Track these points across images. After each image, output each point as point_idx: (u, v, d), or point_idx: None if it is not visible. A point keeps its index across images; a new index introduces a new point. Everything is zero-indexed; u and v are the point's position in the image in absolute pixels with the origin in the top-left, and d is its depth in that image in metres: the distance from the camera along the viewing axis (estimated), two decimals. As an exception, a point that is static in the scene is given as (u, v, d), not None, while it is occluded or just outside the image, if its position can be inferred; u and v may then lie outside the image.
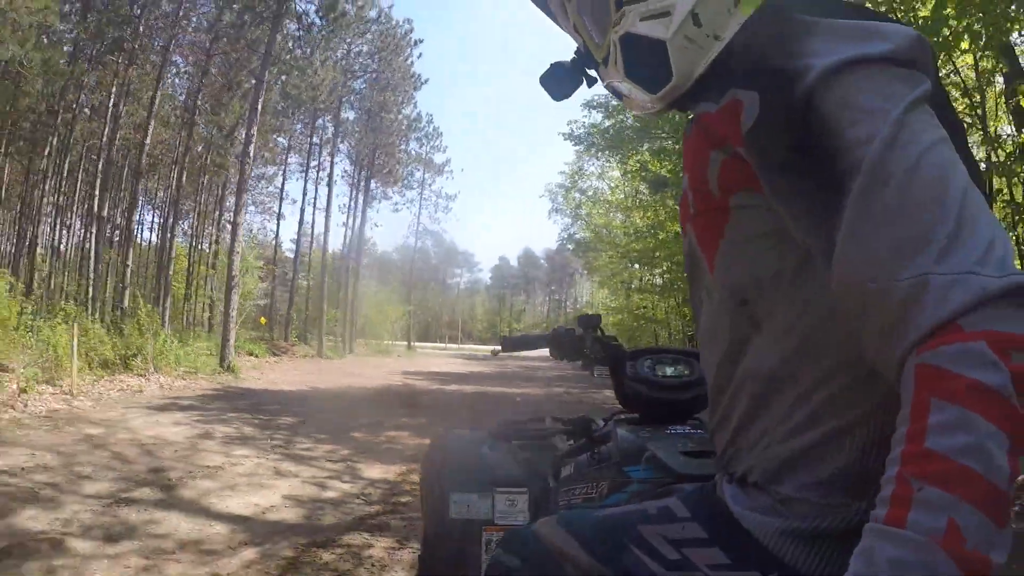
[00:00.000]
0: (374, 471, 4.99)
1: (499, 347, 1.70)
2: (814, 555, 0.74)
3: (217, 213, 21.64)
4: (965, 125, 1.17)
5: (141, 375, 10.53)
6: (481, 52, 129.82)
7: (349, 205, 28.08)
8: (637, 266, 24.57)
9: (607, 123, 21.64)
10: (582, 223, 33.58)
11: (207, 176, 20.40)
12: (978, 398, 0.55)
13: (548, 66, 0.99)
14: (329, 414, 8.13)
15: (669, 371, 1.46)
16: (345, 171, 27.11)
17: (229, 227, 16.52)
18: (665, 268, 20.28)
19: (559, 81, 0.98)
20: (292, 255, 27.32)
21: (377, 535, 3.45)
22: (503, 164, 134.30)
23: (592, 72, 0.96)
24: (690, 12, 0.80)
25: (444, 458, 1.62)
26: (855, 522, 0.64)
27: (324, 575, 2.90)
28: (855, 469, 0.71)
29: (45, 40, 13.13)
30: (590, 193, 32.69)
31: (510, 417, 1.80)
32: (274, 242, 27.51)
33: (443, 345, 51.48)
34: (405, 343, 37.20)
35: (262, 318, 22.28)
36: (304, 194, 29.31)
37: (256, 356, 18.32)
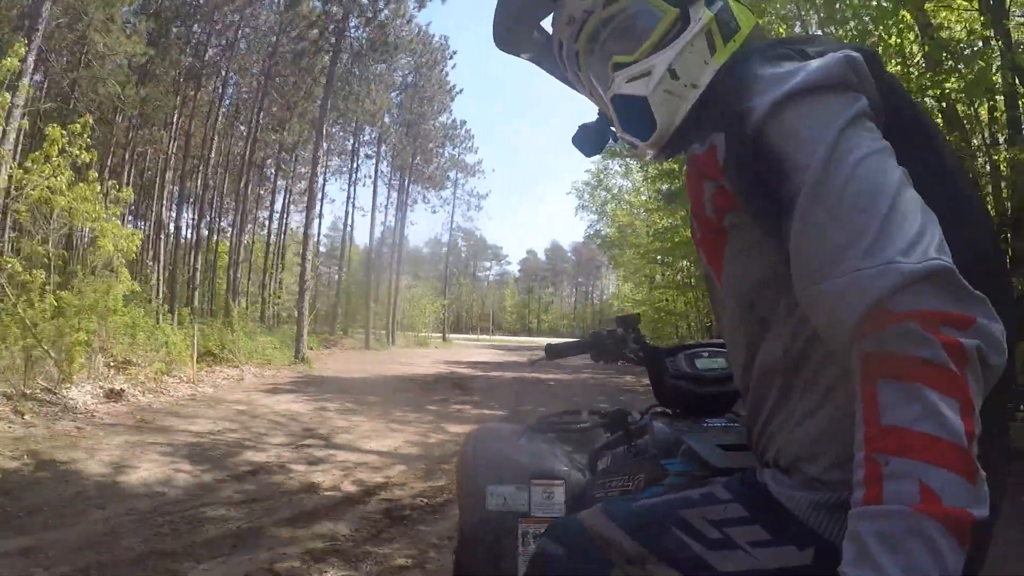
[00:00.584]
0: (455, 428, 6.92)
1: (542, 354, 1.69)
2: (840, 523, 0.74)
3: (258, 211, 23.65)
4: (932, 119, 1.48)
5: (235, 366, 12.57)
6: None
7: (385, 205, 30.19)
8: (659, 262, 26.12)
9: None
10: (607, 220, 35.17)
11: (250, 181, 22.55)
12: (919, 371, 0.61)
13: (577, 128, 1.12)
14: (403, 394, 10.09)
15: (707, 365, 1.44)
16: (382, 172, 29.22)
17: (268, 224, 18.54)
18: (682, 267, 21.87)
19: (587, 139, 1.12)
20: (330, 252, 29.19)
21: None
22: (531, 159, 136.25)
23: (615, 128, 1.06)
24: (667, 69, 0.92)
25: (480, 451, 1.63)
26: None
27: (448, 475, 4.84)
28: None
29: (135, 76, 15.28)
30: (615, 191, 34.16)
31: (547, 411, 1.82)
32: (316, 240, 29.64)
33: (475, 337, 53.35)
34: (440, 335, 39.24)
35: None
36: (348, 197, 31.50)
37: (312, 348, 20.32)
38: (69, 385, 7.05)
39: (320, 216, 28.20)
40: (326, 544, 3.26)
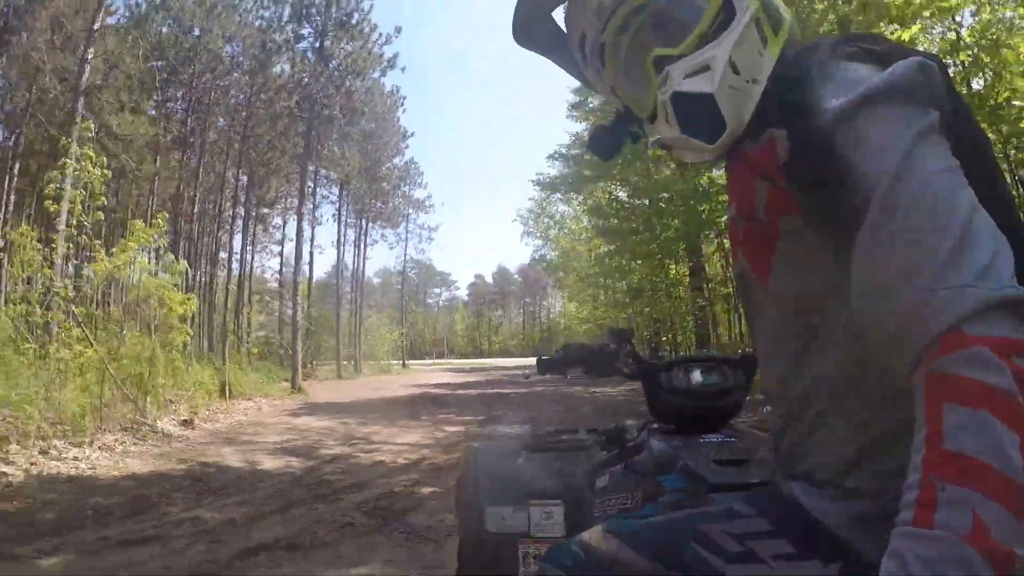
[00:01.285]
0: (450, 428, 9.46)
1: (533, 370, 1.65)
2: (881, 540, 0.70)
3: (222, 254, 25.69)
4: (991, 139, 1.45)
5: (248, 398, 14.75)
6: (453, 70, 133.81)
7: (343, 243, 32.43)
8: (602, 283, 29.15)
9: (566, 171, 26.45)
10: (551, 244, 38.19)
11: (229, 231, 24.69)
12: (988, 399, 0.59)
13: (593, 129, 1.06)
14: (396, 410, 12.54)
15: (702, 379, 1.42)
16: (341, 213, 31.55)
17: (229, 265, 20.74)
18: (621, 287, 24.86)
19: (604, 142, 1.05)
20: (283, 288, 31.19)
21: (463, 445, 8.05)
22: (475, 185, 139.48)
23: (634, 129, 1.01)
24: (728, 62, 0.85)
25: (478, 471, 1.62)
26: None
27: (457, 455, 7.40)
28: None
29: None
30: (557, 217, 37.14)
31: (545, 429, 1.83)
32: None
33: (431, 361, 55.51)
34: (400, 362, 41.43)
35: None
36: (311, 237, 33.71)
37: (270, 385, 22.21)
38: (156, 418, 9.38)
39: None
40: (410, 482, 5.85)
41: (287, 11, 19.62)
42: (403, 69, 30.16)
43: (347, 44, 19.14)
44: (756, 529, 0.88)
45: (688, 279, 18.11)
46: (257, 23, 19.66)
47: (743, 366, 1.48)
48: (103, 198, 9.70)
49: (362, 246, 32.25)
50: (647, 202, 15.99)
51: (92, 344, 8.68)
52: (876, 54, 0.81)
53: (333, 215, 30.00)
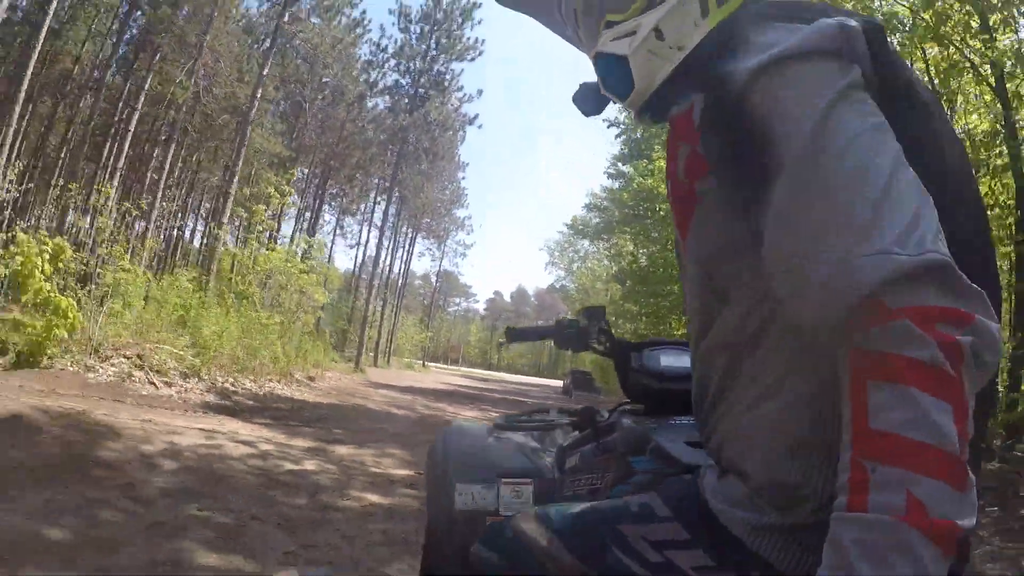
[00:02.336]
0: (494, 412, 13.50)
1: (504, 339, 1.66)
2: (791, 549, 0.74)
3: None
4: (932, 93, 0.90)
5: (327, 371, 18.82)
6: (502, 94, 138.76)
7: (392, 250, 36.78)
8: (615, 322, 33.15)
9: (596, 221, 30.76)
10: (572, 277, 42.43)
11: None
12: (912, 373, 0.57)
13: (578, 86, 1.06)
14: (445, 397, 16.56)
15: (674, 362, 1.40)
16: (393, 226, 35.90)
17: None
18: (634, 327, 28.73)
19: (587, 99, 1.05)
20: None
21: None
22: (506, 204, 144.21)
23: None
24: (653, 28, 0.85)
25: (449, 449, 1.62)
26: (825, 514, 0.61)
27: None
28: (816, 441, 0.71)
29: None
30: (582, 253, 41.35)
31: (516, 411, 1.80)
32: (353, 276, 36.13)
33: (444, 366, 59.54)
34: (420, 361, 45.57)
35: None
36: (381, 245, 38.12)
37: (335, 363, 26.30)
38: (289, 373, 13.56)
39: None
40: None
41: (390, 61, 24.15)
42: (480, 126, 34.65)
43: (438, 101, 23.48)
44: (673, 537, 0.85)
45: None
46: (361, 59, 24.11)
47: None
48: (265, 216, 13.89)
49: (408, 255, 36.46)
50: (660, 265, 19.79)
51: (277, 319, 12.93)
52: (802, 19, 0.78)
53: (389, 226, 34.35)
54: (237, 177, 16.74)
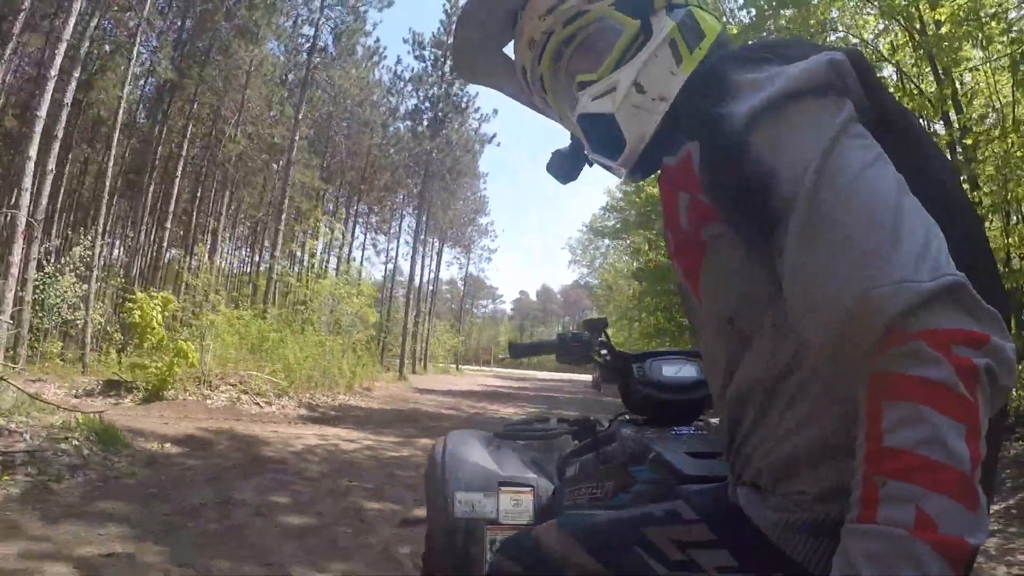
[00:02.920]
0: (531, 408, 15.24)
1: (508, 355, 1.67)
2: (818, 548, 0.74)
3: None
4: (917, 119, 1.22)
5: (377, 381, 20.65)
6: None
7: (422, 263, 38.69)
8: (637, 316, 34.75)
9: (613, 222, 32.36)
10: (595, 273, 43.93)
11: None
12: (926, 393, 0.58)
13: (550, 155, 1.07)
14: (484, 397, 18.25)
15: (675, 372, 1.41)
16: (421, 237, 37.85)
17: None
18: (654, 320, 30.25)
19: (562, 166, 1.08)
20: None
21: (549, 415, 13.81)
22: (527, 205, 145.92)
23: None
24: (633, 83, 0.88)
25: (449, 457, 1.62)
26: None
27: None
28: (851, 467, 0.68)
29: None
30: (603, 250, 42.85)
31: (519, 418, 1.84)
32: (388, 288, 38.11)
33: (478, 368, 61.35)
34: (454, 365, 47.42)
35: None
36: (413, 261, 40.12)
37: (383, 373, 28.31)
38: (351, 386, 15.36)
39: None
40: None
41: (408, 87, 26.01)
42: (498, 144, 36.72)
43: (458, 124, 25.31)
44: (699, 538, 0.87)
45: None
46: (382, 85, 25.94)
47: None
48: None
49: (436, 265, 38.31)
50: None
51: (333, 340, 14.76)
52: (786, 57, 0.79)
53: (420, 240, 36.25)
54: (284, 214, 18.62)
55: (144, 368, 9.05)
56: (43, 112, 10.15)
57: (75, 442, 4.94)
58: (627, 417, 1.48)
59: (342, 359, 13.62)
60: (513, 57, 1.10)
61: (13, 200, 10.17)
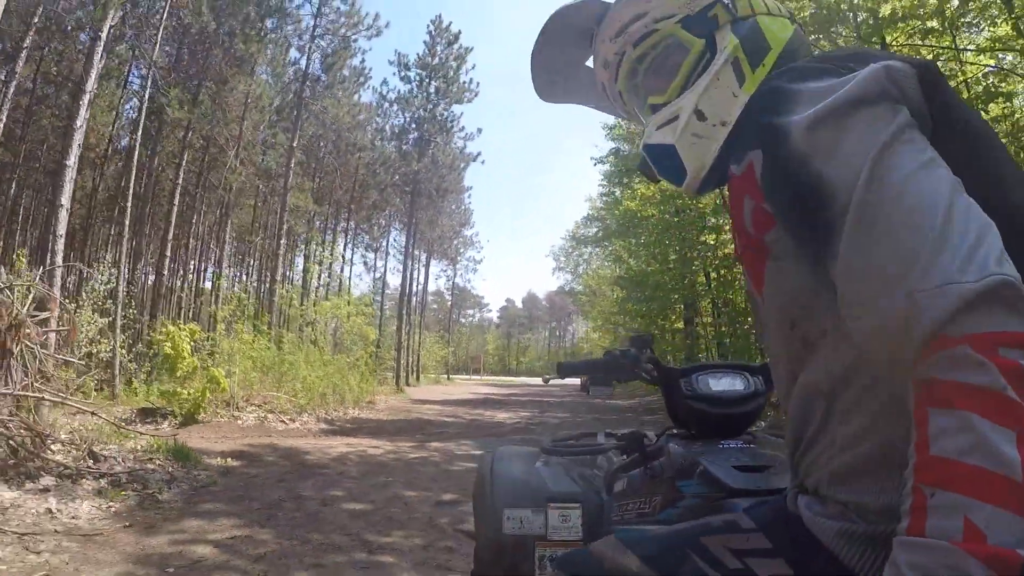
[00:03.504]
0: (523, 413, 16.28)
1: (554, 374, 1.66)
2: (876, 561, 0.74)
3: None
4: (991, 128, 0.86)
5: (376, 394, 21.71)
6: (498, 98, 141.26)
7: (410, 276, 39.79)
8: (620, 320, 36.00)
9: (594, 230, 33.60)
10: (579, 279, 45.18)
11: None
12: (972, 399, 0.57)
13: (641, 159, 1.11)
14: (479, 405, 19.30)
15: (722, 386, 1.42)
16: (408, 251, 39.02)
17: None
18: (637, 325, 31.43)
19: (647, 168, 1.10)
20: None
21: (541, 417, 14.86)
22: (510, 213, 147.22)
23: None
24: (693, 111, 0.92)
25: (496, 474, 1.63)
26: None
27: (543, 426, 14.28)
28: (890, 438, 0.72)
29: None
30: (586, 256, 44.09)
31: (562, 433, 1.89)
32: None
33: (467, 376, 62.30)
34: (445, 375, 48.46)
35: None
36: (405, 276, 41.24)
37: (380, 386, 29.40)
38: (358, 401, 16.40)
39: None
40: (520, 426, 12.78)
41: (393, 107, 27.18)
42: (483, 162, 38.55)
43: (442, 141, 26.50)
44: (756, 546, 0.87)
45: (684, 326, 24.57)
46: (369, 106, 27.09)
47: (763, 373, 1.47)
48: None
49: (424, 278, 39.40)
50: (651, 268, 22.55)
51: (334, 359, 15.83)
52: (849, 68, 0.81)
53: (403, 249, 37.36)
54: (284, 239, 19.65)
55: (177, 395, 10.06)
56: (72, 161, 11.17)
57: (158, 461, 6.02)
58: (675, 431, 1.50)
59: (349, 376, 14.66)
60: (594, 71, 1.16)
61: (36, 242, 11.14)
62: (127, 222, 14.95)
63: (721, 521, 0.96)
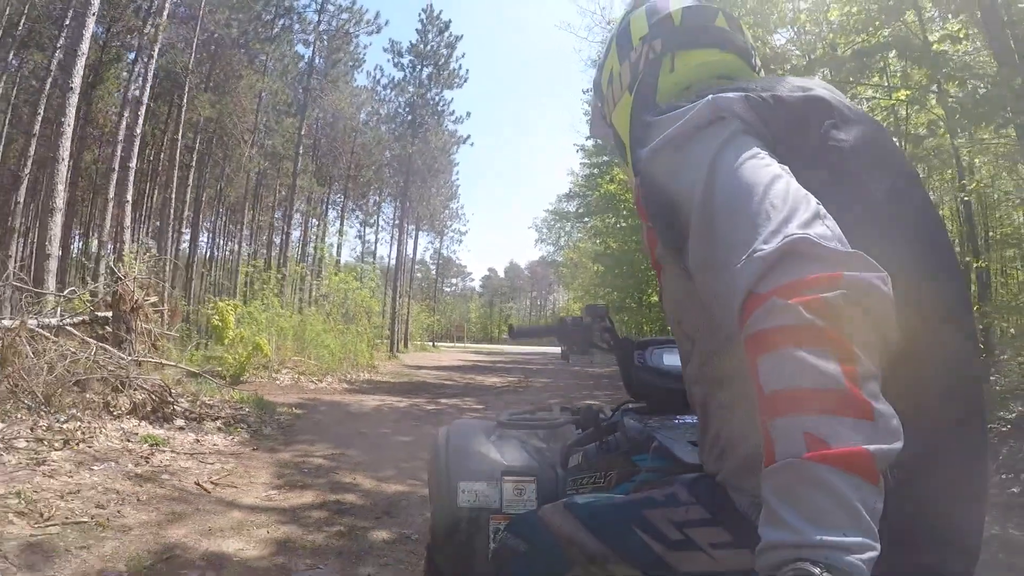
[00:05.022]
0: (511, 377, 18.28)
1: (508, 335, 1.69)
2: None
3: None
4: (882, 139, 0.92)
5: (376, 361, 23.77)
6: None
7: (402, 249, 41.70)
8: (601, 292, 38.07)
9: (575, 205, 35.58)
10: (560, 252, 47.21)
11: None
12: (784, 337, 0.64)
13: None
14: (471, 371, 21.33)
15: (675, 360, 1.37)
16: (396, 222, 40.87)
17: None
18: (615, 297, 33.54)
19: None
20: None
21: (527, 381, 16.98)
22: (491, 180, 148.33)
23: None
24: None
25: (452, 447, 1.64)
26: None
27: (529, 388, 16.46)
28: None
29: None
30: (567, 229, 46.03)
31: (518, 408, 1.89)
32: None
33: (451, 344, 64.25)
34: (430, 342, 50.60)
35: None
36: (400, 249, 43.10)
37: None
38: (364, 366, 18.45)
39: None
40: (508, 388, 14.96)
41: (390, 93, 28.90)
42: (472, 144, 40.52)
43: (434, 123, 28.36)
44: (694, 517, 0.91)
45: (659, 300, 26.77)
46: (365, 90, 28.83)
47: None
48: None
49: (413, 250, 41.37)
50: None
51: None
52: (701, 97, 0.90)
53: (395, 223, 39.24)
54: (293, 218, 21.54)
55: (222, 360, 12.08)
56: (133, 164, 13.07)
57: (247, 409, 8.12)
58: (630, 406, 1.51)
59: (361, 343, 16.77)
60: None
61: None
62: (183, 197, 16.80)
63: (662, 495, 0.99)
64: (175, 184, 19.03)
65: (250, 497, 4.74)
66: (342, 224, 26.96)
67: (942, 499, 0.79)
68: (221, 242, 30.23)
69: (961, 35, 7.77)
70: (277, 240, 26.07)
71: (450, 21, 28.93)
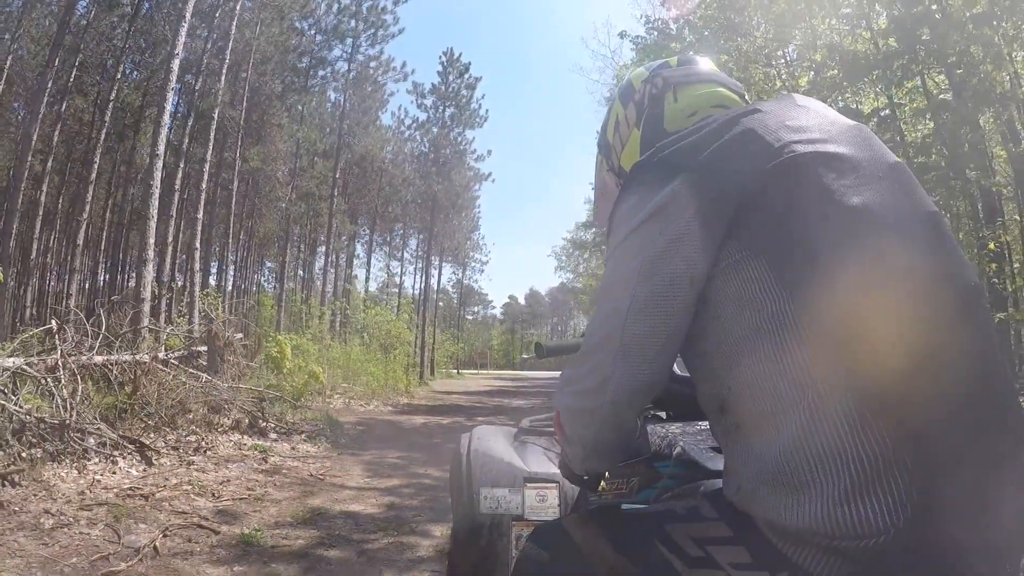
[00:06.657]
0: (536, 400, 19.91)
1: (531, 355, 1.70)
2: (819, 559, 0.79)
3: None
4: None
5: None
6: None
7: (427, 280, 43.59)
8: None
9: (591, 234, 37.30)
10: (579, 278, 48.69)
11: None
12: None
13: None
14: (497, 395, 22.89)
15: None
16: (421, 254, 42.76)
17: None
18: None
19: None
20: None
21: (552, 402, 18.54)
22: (512, 210, 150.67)
23: None
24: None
25: (474, 453, 1.68)
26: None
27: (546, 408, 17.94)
28: (790, 460, 0.80)
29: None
30: (585, 256, 47.59)
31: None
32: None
33: (474, 371, 65.69)
34: (455, 369, 52.15)
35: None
36: (427, 281, 45.00)
37: (397, 379, 33.23)
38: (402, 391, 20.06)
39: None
40: (533, 408, 16.51)
41: (414, 133, 30.97)
42: (493, 180, 42.72)
43: (458, 166, 30.31)
44: (716, 535, 0.90)
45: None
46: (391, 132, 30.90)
47: None
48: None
49: (437, 282, 43.11)
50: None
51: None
52: (667, 172, 0.97)
53: (420, 255, 41.09)
54: (330, 257, 23.31)
55: (280, 387, 13.71)
56: (200, 215, 14.88)
57: (321, 425, 9.72)
58: (652, 413, 1.49)
59: (399, 371, 18.43)
60: None
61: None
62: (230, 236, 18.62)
63: (684, 509, 1.00)
64: (208, 223, 20.93)
65: (354, 482, 6.41)
66: (369, 258, 28.63)
67: (967, 506, 0.76)
68: (247, 274, 32.13)
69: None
70: (301, 272, 27.95)
71: (470, 63, 30.92)
